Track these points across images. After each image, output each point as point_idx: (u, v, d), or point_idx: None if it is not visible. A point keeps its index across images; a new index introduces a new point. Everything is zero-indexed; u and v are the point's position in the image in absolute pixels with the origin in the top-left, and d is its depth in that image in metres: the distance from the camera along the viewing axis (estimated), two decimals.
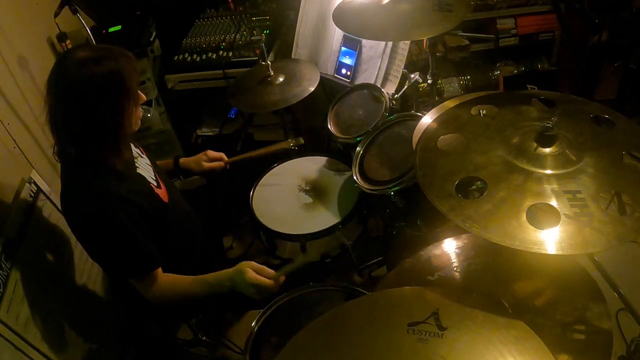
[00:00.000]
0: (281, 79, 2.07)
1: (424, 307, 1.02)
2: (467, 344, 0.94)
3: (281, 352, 1.03)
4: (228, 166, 1.92)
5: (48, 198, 1.79)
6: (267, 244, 1.89)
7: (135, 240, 1.37)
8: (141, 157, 1.60)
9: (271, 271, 1.43)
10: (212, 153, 1.90)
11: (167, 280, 1.46)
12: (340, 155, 2.01)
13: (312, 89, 2.02)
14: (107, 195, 1.33)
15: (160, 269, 1.45)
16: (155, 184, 1.54)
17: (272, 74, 2.07)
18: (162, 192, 1.55)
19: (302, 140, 2.01)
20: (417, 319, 1.00)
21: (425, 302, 1.04)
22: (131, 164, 1.47)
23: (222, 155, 1.91)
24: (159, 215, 1.48)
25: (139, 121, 1.43)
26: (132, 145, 1.57)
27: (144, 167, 1.56)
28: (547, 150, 1.10)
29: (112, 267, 1.52)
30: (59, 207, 1.72)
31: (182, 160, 1.89)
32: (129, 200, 1.36)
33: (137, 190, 1.41)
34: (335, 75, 2.21)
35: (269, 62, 2.05)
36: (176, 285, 1.47)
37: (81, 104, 1.25)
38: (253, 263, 1.44)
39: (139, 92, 1.36)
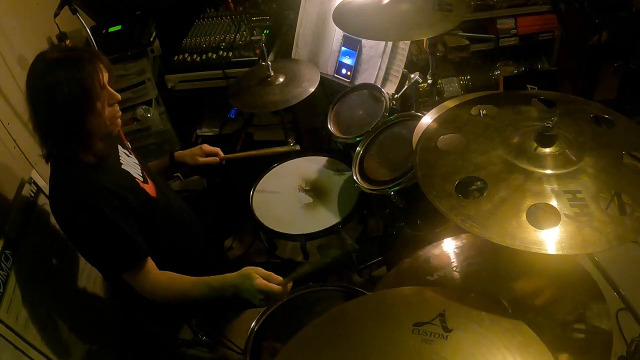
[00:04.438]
0: (281, 80, 2.07)
1: (431, 307, 1.02)
2: (472, 347, 0.94)
3: (286, 346, 1.03)
4: (223, 162, 1.90)
5: (48, 198, 1.79)
6: (267, 244, 1.89)
7: (118, 230, 1.37)
8: (128, 156, 1.61)
9: (279, 277, 1.38)
10: (207, 148, 1.89)
11: (164, 277, 1.45)
12: (340, 155, 2.01)
13: (312, 89, 2.02)
14: (85, 186, 1.35)
15: (152, 264, 1.44)
16: (142, 179, 1.55)
17: (272, 74, 2.07)
18: (148, 187, 1.55)
19: (297, 147, 2.00)
20: (424, 319, 0.99)
21: (433, 302, 1.04)
22: (107, 156, 1.45)
23: (218, 150, 1.90)
24: (148, 209, 1.49)
25: (118, 120, 1.43)
26: (119, 146, 1.59)
27: (131, 164, 1.57)
28: (547, 150, 1.10)
29: (100, 262, 1.51)
30: None
31: (176, 153, 1.88)
32: (109, 191, 1.37)
33: (119, 183, 1.42)
34: (335, 75, 2.21)
35: (269, 63, 2.05)
36: (174, 284, 1.46)
37: (44, 105, 1.29)
38: (259, 269, 1.39)
39: (110, 91, 1.37)
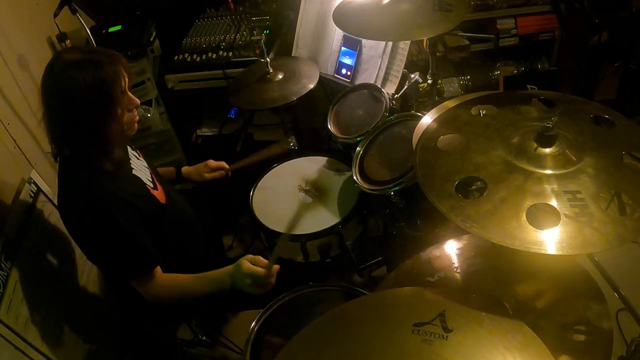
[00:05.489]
0: (280, 76, 2.07)
1: (431, 307, 1.01)
2: (471, 348, 0.93)
3: (286, 346, 1.03)
4: (230, 174, 1.92)
5: (48, 198, 1.79)
6: (267, 244, 1.89)
7: (130, 238, 1.37)
8: (137, 159, 1.60)
9: (265, 260, 1.42)
10: (212, 163, 1.89)
11: (167, 279, 1.46)
12: (340, 155, 2.01)
13: (312, 86, 2.02)
14: (99, 193, 1.34)
15: (159, 269, 1.45)
16: (152, 185, 1.54)
17: (271, 71, 2.07)
18: (158, 193, 1.55)
19: (294, 143, 2.01)
20: (424, 319, 0.99)
21: (433, 302, 1.03)
22: (124, 164, 1.46)
23: (223, 164, 1.91)
24: (157, 216, 1.48)
25: (135, 125, 1.42)
26: (128, 147, 1.58)
27: (141, 168, 1.56)
28: (547, 150, 1.10)
29: (109, 268, 1.52)
30: None
31: (184, 169, 1.88)
32: (121, 199, 1.36)
33: (131, 191, 1.41)
34: (335, 75, 2.21)
35: (268, 60, 2.05)
36: (176, 284, 1.47)
37: (63, 107, 1.27)
38: (250, 255, 1.44)
39: (130, 95, 1.35)
